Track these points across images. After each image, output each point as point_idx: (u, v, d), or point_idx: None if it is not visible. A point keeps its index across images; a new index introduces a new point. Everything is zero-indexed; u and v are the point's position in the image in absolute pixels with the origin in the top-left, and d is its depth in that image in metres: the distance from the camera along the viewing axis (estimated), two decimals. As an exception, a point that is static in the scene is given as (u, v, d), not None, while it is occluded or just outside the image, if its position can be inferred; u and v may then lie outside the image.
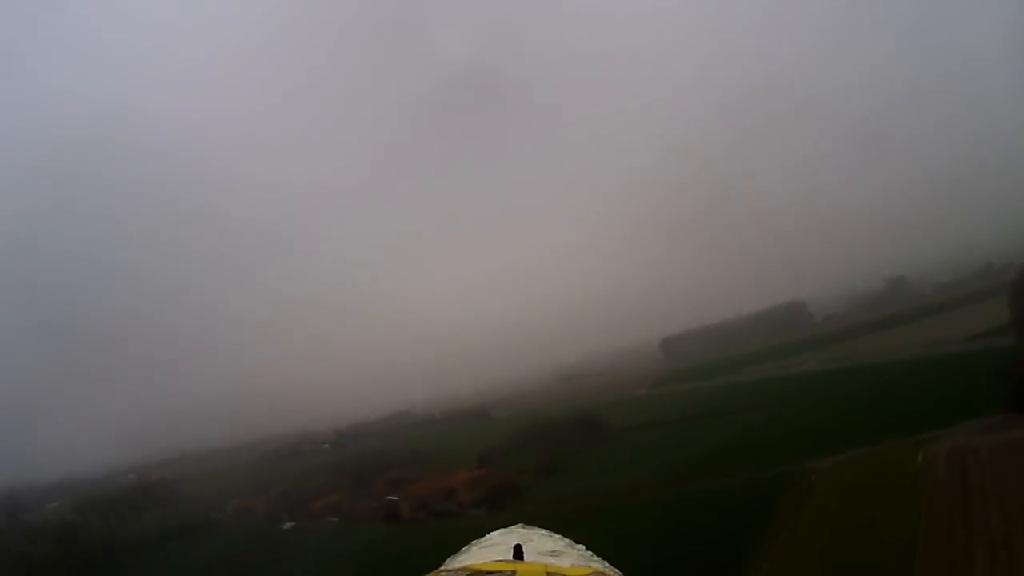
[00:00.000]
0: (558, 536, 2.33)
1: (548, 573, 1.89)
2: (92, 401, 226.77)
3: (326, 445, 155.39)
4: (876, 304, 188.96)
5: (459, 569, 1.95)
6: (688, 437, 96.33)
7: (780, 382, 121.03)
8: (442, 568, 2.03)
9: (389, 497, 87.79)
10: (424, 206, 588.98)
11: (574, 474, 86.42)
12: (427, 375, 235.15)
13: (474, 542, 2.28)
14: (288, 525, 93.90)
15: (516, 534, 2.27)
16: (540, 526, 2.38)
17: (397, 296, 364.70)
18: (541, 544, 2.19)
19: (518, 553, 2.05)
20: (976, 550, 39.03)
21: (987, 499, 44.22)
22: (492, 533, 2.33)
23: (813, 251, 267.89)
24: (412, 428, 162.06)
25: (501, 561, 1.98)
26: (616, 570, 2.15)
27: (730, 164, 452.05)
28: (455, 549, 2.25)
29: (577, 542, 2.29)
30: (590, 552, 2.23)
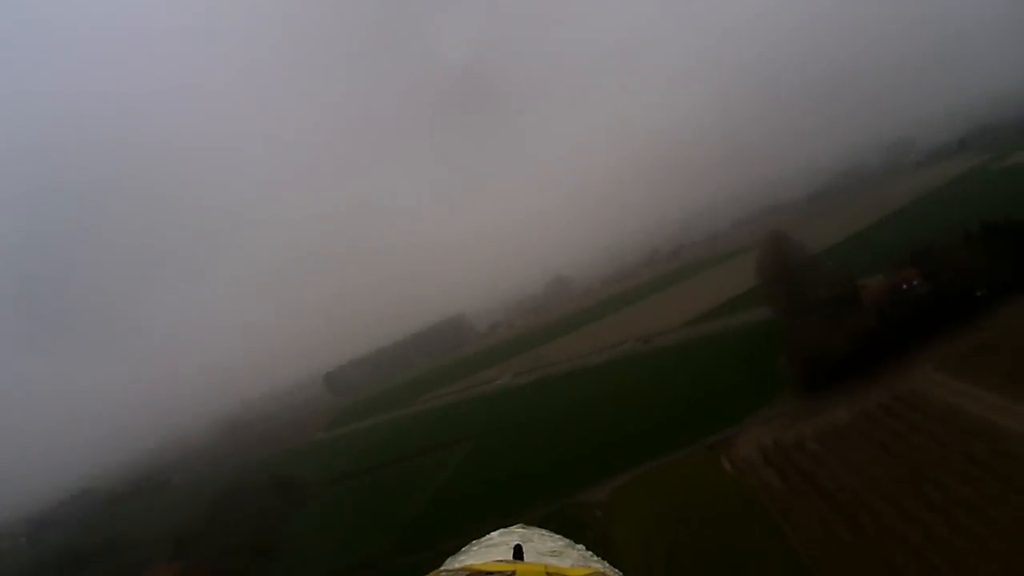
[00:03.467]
0: (558, 536, 2.37)
1: (548, 573, 1.96)
2: None
3: (23, 539, 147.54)
4: (539, 307, 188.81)
5: (459, 569, 2.04)
6: (404, 485, 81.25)
7: (481, 403, 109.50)
8: (442, 568, 2.11)
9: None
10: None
11: (291, 553, 71.03)
12: (99, 448, 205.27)
13: (474, 542, 2.30)
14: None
15: (516, 534, 2.31)
16: None
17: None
18: (541, 544, 2.23)
19: (518, 553, 2.12)
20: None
21: (850, 491, 39.16)
22: (492, 533, 2.37)
23: (463, 263, 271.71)
24: (101, 509, 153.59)
25: (501, 561, 2.07)
26: (616, 570, 2.17)
27: (365, 190, 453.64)
28: None
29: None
30: (590, 552, 2.27)
